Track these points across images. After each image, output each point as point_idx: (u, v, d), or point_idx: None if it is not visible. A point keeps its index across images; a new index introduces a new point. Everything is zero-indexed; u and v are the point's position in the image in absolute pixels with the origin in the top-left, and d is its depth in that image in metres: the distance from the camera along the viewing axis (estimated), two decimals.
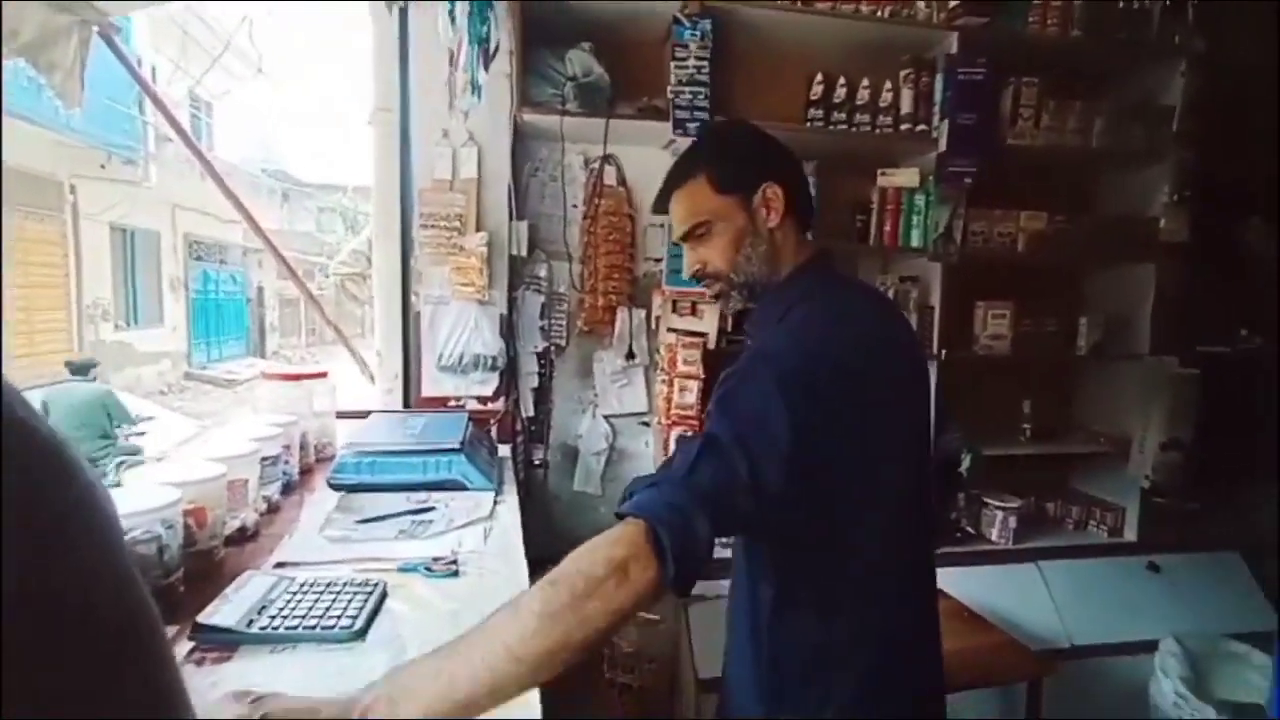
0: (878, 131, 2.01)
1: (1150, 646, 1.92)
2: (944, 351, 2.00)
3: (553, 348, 2.08)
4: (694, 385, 1.88)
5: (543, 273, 2.05)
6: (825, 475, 0.76)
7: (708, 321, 1.94)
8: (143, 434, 4.54)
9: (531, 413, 2.05)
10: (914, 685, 0.90)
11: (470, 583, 1.01)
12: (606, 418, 2.11)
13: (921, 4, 1.97)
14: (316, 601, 0.88)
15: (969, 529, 2.17)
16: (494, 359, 1.92)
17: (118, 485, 1.00)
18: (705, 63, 1.85)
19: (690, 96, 1.85)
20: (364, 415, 1.75)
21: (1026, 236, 2.09)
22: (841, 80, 2.00)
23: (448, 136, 1.85)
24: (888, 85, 2.01)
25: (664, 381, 1.95)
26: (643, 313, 2.07)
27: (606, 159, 2.03)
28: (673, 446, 1.88)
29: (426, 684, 0.57)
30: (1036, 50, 2.05)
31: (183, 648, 0.80)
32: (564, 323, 2.09)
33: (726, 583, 0.98)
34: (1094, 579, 2.10)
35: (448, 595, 0.96)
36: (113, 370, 7.78)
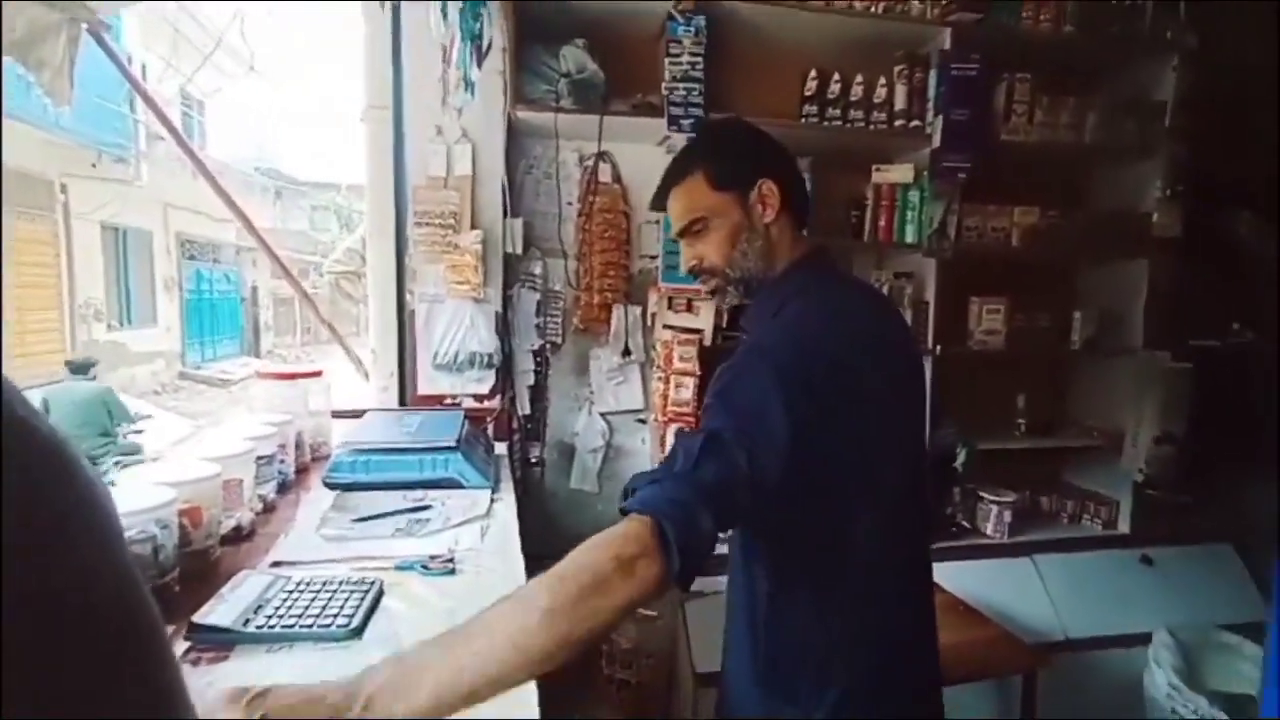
0: (872, 127, 2.01)
1: (1144, 639, 1.94)
2: (939, 347, 2.01)
3: (548, 345, 2.08)
4: (690, 382, 1.88)
5: (538, 270, 2.04)
6: (821, 470, 0.76)
7: (703, 318, 1.94)
8: (141, 432, 4.59)
9: (528, 410, 2.05)
10: (911, 679, 0.91)
11: (467, 580, 1.01)
12: (603, 415, 2.11)
13: (915, 0, 1.97)
14: (313, 600, 0.88)
15: (964, 523, 2.18)
16: (490, 357, 1.91)
17: (112, 485, 0.99)
18: (699, 59, 1.84)
19: (685, 93, 1.85)
20: (359, 414, 1.75)
21: (1020, 232, 2.10)
22: (836, 76, 2.00)
23: (441, 134, 1.85)
24: (882, 81, 2.01)
25: (660, 378, 1.96)
26: (638, 310, 2.07)
27: (601, 156, 2.02)
28: (669, 443, 1.89)
29: (431, 674, 0.57)
30: (1030, 46, 2.05)
31: (178, 648, 0.80)
32: (560, 320, 2.08)
33: (724, 579, 0.98)
34: (1088, 572, 2.12)
35: (444, 593, 0.96)
36: (106, 370, 7.71)
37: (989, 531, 2.15)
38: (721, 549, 0.88)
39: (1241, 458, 2.13)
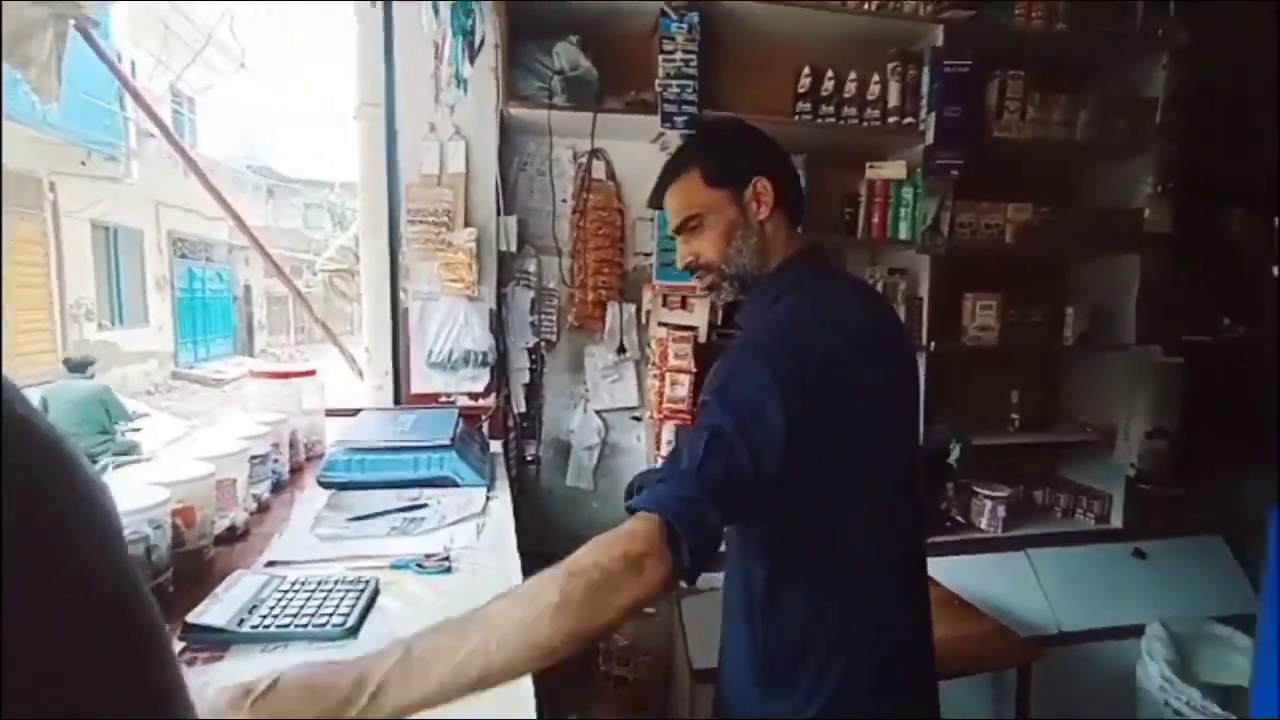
0: (865, 124, 2.02)
1: (1137, 631, 1.95)
2: (933, 343, 2.02)
3: (543, 343, 2.08)
4: (685, 379, 1.88)
5: (532, 268, 2.04)
6: (815, 466, 0.77)
7: (698, 315, 1.94)
8: (139, 430, 4.63)
9: (523, 408, 2.05)
10: (908, 673, 0.92)
11: (463, 579, 1.01)
12: (598, 413, 2.11)
13: None
14: (308, 600, 0.88)
15: (959, 518, 2.20)
16: (484, 355, 1.91)
17: None
18: (693, 56, 1.84)
19: (678, 90, 1.84)
20: (354, 413, 1.74)
21: (1013, 228, 2.11)
22: (829, 73, 2.00)
23: (434, 131, 1.84)
24: (875, 78, 2.01)
25: (655, 376, 1.96)
26: (633, 307, 2.06)
27: (595, 153, 2.02)
28: (665, 440, 1.89)
29: (440, 661, 0.57)
30: (1022, 43, 2.06)
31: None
32: (554, 318, 2.08)
33: (720, 575, 0.98)
34: (1081, 566, 2.13)
35: (440, 592, 0.96)
36: (98, 371, 7.68)
37: (983, 526, 2.16)
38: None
39: (1233, 451, 2.15)
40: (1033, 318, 2.18)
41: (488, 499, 1.35)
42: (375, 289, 1.89)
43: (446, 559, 1.05)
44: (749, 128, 1.00)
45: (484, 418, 1.92)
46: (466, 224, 1.85)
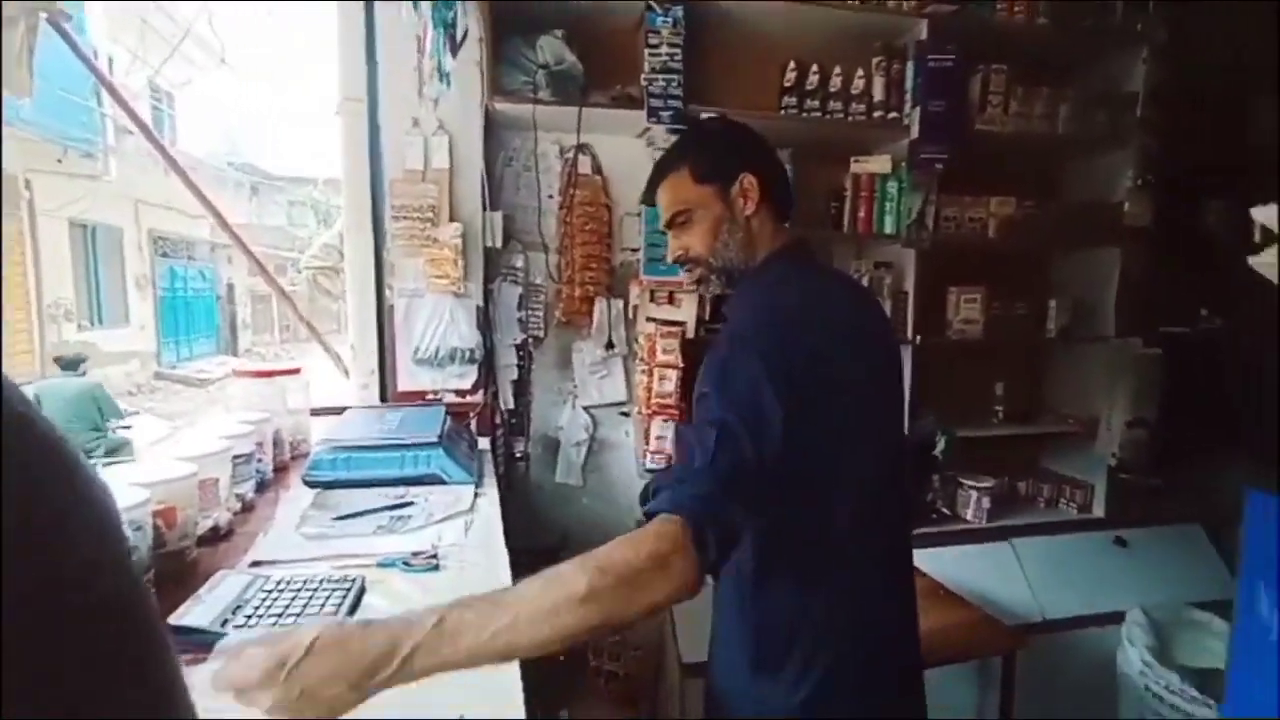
0: (850, 119, 2.02)
1: (1118, 618, 1.99)
2: (918, 337, 2.04)
3: (531, 339, 2.07)
4: (673, 374, 1.88)
5: (519, 264, 2.03)
6: (801, 460, 0.77)
7: (685, 310, 1.94)
8: (130, 428, 4.60)
9: (511, 405, 2.04)
10: (893, 665, 0.93)
11: (451, 576, 1.01)
12: (586, 408, 2.11)
13: None
14: (293, 600, 0.87)
15: (944, 509, 2.22)
16: (471, 352, 1.90)
17: None
18: (678, 50, 1.84)
19: (664, 84, 1.84)
20: (339, 411, 1.73)
21: (997, 222, 2.13)
22: (814, 68, 2.01)
23: (418, 126, 1.82)
24: (860, 73, 2.02)
25: (643, 371, 1.96)
26: (621, 303, 2.06)
27: (581, 148, 2.01)
28: (653, 435, 1.89)
29: (470, 634, 0.59)
30: (1005, 37, 2.08)
31: None
32: (542, 314, 2.07)
33: None
34: (1064, 554, 2.17)
35: (427, 589, 0.95)
36: None
37: (969, 517, 2.19)
38: None
39: (1210, 440, 2.20)
40: (1016, 311, 2.20)
41: (475, 496, 1.34)
42: (360, 286, 1.87)
43: (434, 557, 1.04)
44: (737, 125, 1.02)
45: (472, 415, 1.91)
46: (452, 220, 1.84)
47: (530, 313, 2.06)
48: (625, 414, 2.13)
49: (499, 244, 1.93)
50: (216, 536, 1.12)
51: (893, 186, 2.03)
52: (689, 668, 1.70)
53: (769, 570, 0.86)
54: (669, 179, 0.98)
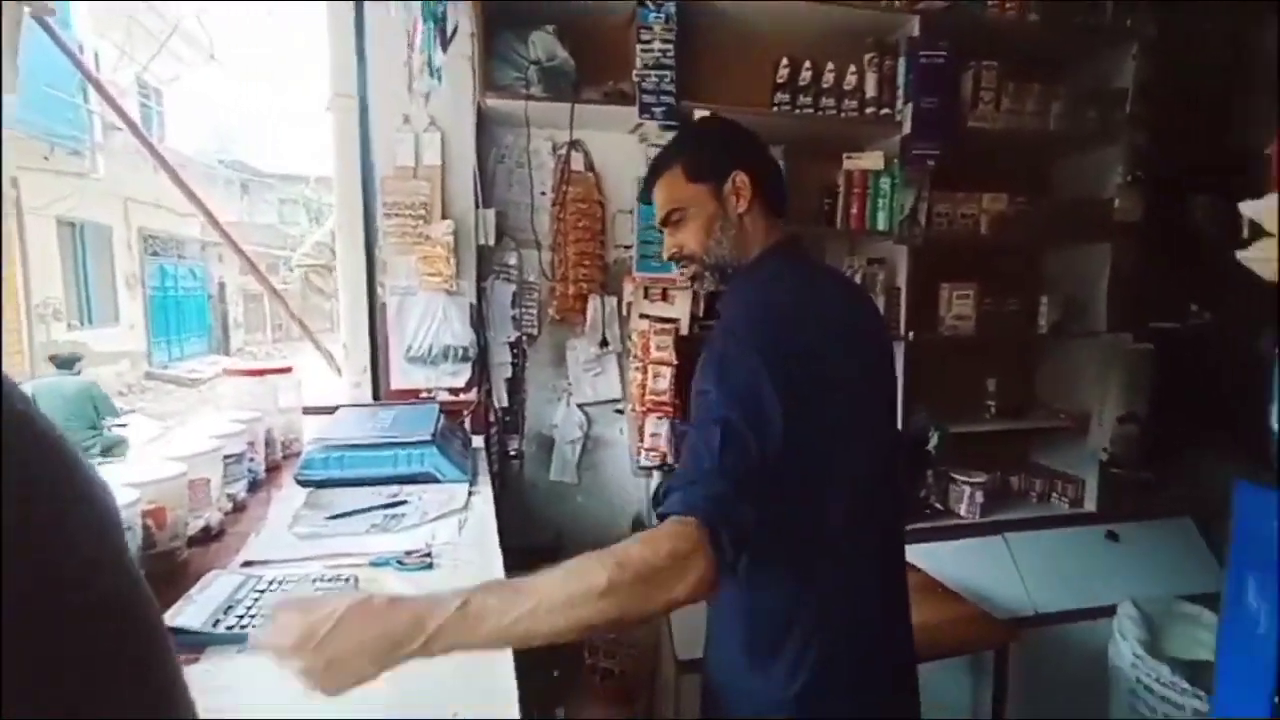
0: (843, 115, 2.02)
1: (1109, 611, 2.00)
2: (911, 333, 2.04)
3: (525, 337, 2.06)
4: (667, 371, 1.88)
5: (512, 261, 2.02)
6: (795, 458, 0.78)
7: (679, 307, 1.94)
8: (125, 426, 4.59)
9: (505, 403, 2.03)
10: (887, 663, 0.94)
11: (444, 575, 1.01)
12: (581, 406, 2.10)
13: None
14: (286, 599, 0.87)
15: (938, 505, 2.23)
16: (464, 349, 1.89)
17: None
18: (670, 46, 1.83)
19: (656, 80, 1.83)
20: (332, 410, 1.72)
21: (989, 218, 2.14)
22: (807, 64, 2.01)
23: (409, 122, 1.81)
24: (852, 69, 2.02)
25: (637, 368, 1.95)
26: (614, 300, 2.06)
27: (573, 145, 2.00)
28: (648, 432, 1.89)
29: (491, 618, 0.62)
30: (996, 34, 2.08)
31: None
32: (535, 311, 2.07)
33: None
34: (1056, 549, 2.18)
35: (421, 588, 0.94)
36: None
37: (961, 512, 2.20)
38: None
39: (1200, 434, 2.21)
40: (1008, 307, 2.21)
41: (469, 494, 1.34)
42: (352, 284, 1.86)
43: (428, 555, 1.04)
44: (730, 124, 1.03)
45: (465, 413, 1.90)
46: (444, 217, 1.83)
47: (524, 310, 2.05)
48: (620, 411, 2.13)
49: (492, 241, 1.92)
50: (208, 536, 1.12)
51: (885, 183, 2.03)
52: (684, 665, 1.70)
53: (763, 567, 0.86)
54: (663, 178, 0.99)
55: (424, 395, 1.88)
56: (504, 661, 0.76)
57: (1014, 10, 2.05)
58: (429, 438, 1.41)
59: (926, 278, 2.08)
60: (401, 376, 1.87)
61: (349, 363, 1.89)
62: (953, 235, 2.11)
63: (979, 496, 2.18)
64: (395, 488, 1.35)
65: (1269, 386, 1.04)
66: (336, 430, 1.48)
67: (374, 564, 1.02)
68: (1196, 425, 2.21)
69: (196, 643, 0.79)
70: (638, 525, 2.12)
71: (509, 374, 2.03)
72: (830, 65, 2.01)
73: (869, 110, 2.03)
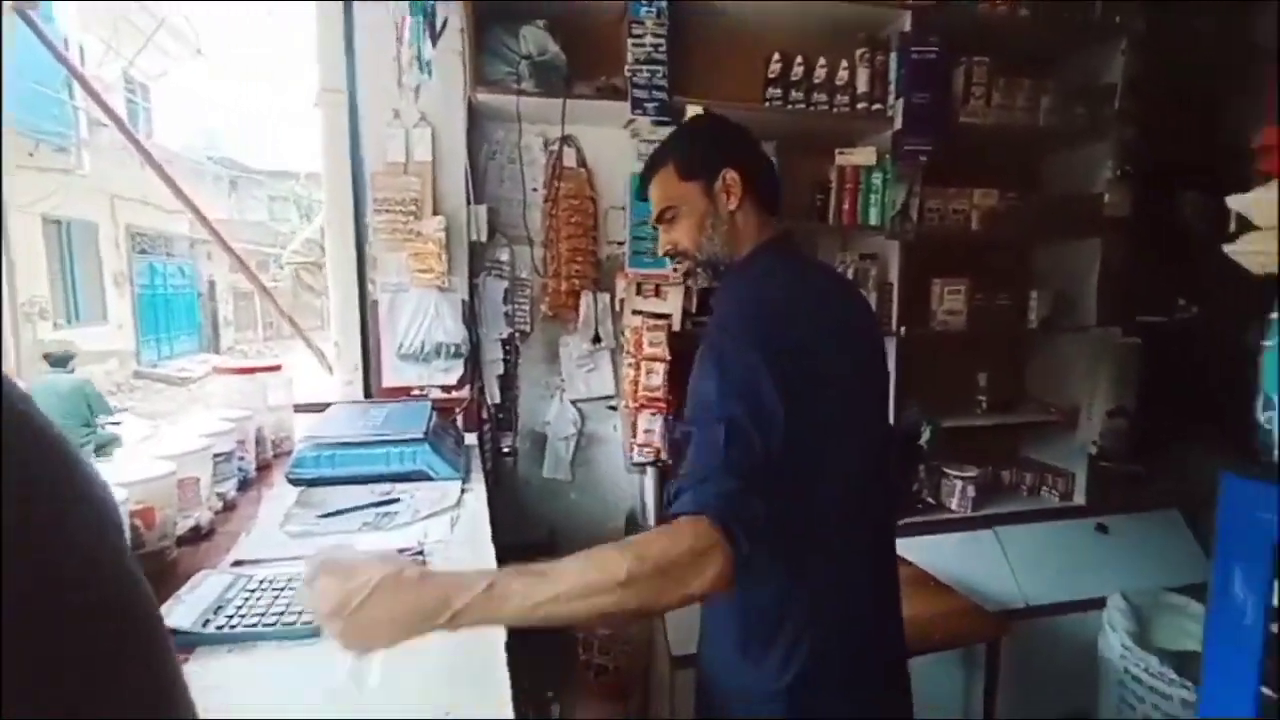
0: (835, 110, 2.02)
1: (1099, 603, 2.02)
2: (903, 328, 2.05)
3: (517, 334, 2.05)
4: (660, 367, 1.88)
5: (504, 257, 2.01)
6: (788, 454, 0.78)
7: (672, 303, 1.94)
8: (119, 424, 4.59)
9: (498, 400, 2.03)
10: (879, 660, 0.94)
11: None
12: (574, 403, 2.10)
13: None
14: (277, 598, 0.86)
15: (930, 499, 2.25)
16: (457, 346, 1.88)
17: None
18: (662, 40, 1.82)
19: (648, 75, 1.83)
20: (323, 408, 1.71)
21: (980, 214, 2.15)
22: (799, 59, 2.00)
23: (399, 117, 1.79)
24: (844, 64, 2.02)
25: (630, 364, 1.95)
26: (607, 296, 2.05)
27: (565, 140, 1.99)
28: (641, 428, 1.89)
29: (515, 600, 0.65)
30: (987, 29, 2.08)
31: None
32: (528, 308, 2.06)
33: None
34: (1047, 542, 2.20)
35: None
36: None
37: (953, 506, 2.21)
38: None
39: (1187, 427, 2.23)
40: (999, 301, 2.22)
41: (462, 492, 1.34)
42: (342, 281, 1.84)
43: (420, 553, 1.04)
44: (721, 121, 1.04)
45: (458, 410, 1.90)
46: (435, 213, 1.82)
47: (516, 307, 2.04)
48: (613, 408, 2.13)
49: (484, 238, 1.91)
50: (197, 536, 1.11)
51: (877, 178, 2.04)
52: (678, 660, 1.70)
53: (757, 562, 0.87)
54: (657, 176, 1.00)
55: (416, 393, 1.87)
56: (498, 660, 0.76)
57: (1005, 6, 2.06)
58: (421, 435, 1.41)
59: (918, 273, 2.09)
60: (393, 374, 1.86)
61: (340, 360, 1.87)
62: (944, 230, 2.12)
63: (970, 490, 2.20)
64: (387, 486, 1.34)
65: (1254, 379, 1.05)
66: (328, 428, 1.47)
67: None
68: (1184, 418, 2.23)
69: (186, 643, 0.78)
70: (631, 521, 2.12)
71: (501, 371, 2.03)
72: (822, 60, 2.01)
73: (861, 106, 2.03)
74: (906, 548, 1.93)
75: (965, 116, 2.07)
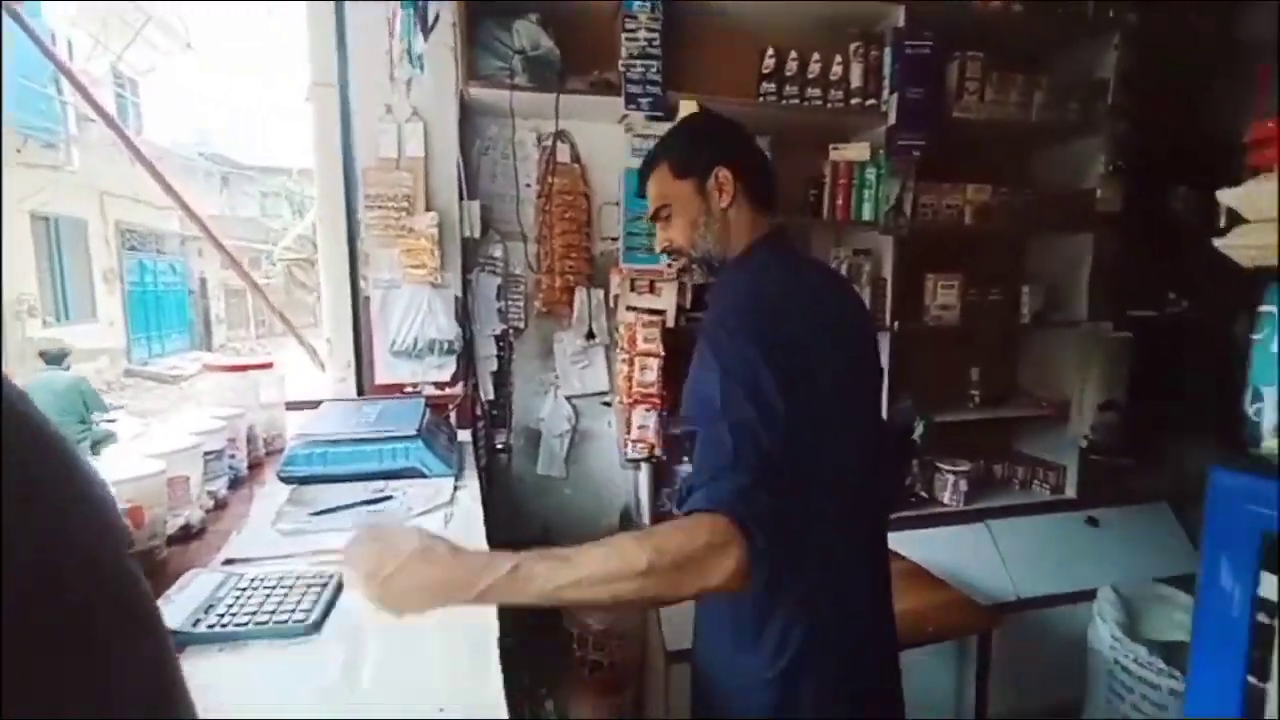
0: (829, 106, 2.02)
1: (1089, 595, 2.04)
2: (896, 323, 2.05)
3: (511, 330, 2.05)
4: (654, 363, 1.88)
5: (498, 254, 2.01)
6: (786, 446, 0.78)
7: (666, 299, 1.94)
8: (115, 421, 4.65)
9: (491, 396, 2.02)
10: (875, 651, 0.95)
11: None
12: (568, 399, 2.10)
13: None
14: (268, 597, 0.86)
15: (923, 493, 2.26)
16: (450, 343, 1.88)
17: None
18: (656, 35, 1.82)
19: (642, 70, 1.82)
20: (315, 405, 1.70)
21: (973, 209, 2.15)
22: (793, 55, 2.00)
23: (391, 112, 1.78)
24: (838, 59, 2.01)
25: (624, 360, 1.95)
26: (601, 292, 2.05)
27: (559, 135, 1.99)
28: (635, 425, 1.89)
29: (538, 582, 0.68)
30: (981, 24, 2.08)
31: None
32: (521, 304, 2.05)
33: None
34: (1038, 535, 2.22)
35: None
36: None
37: (946, 500, 2.23)
38: None
39: (1177, 421, 2.25)
40: (991, 296, 2.23)
41: (456, 489, 1.33)
42: (334, 278, 1.83)
43: None
44: (715, 119, 1.05)
45: (451, 407, 1.89)
46: (427, 209, 1.81)
47: (510, 303, 2.04)
48: (607, 404, 2.13)
49: (477, 234, 1.90)
50: (188, 535, 1.10)
51: (871, 173, 2.04)
52: (673, 655, 1.71)
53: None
54: (653, 174, 1.01)
55: (409, 389, 1.86)
56: (491, 657, 0.76)
57: (998, 2, 2.06)
58: (414, 432, 1.40)
59: (912, 268, 2.09)
60: (386, 371, 1.85)
61: (333, 357, 1.86)
62: (937, 226, 2.12)
63: (963, 484, 2.21)
64: (380, 483, 1.34)
65: (1243, 373, 1.05)
66: (320, 425, 1.46)
67: None
68: (1174, 412, 2.25)
69: (177, 643, 0.78)
70: (625, 517, 2.13)
71: (495, 367, 2.02)
72: (816, 56, 2.01)
73: (854, 101, 2.03)
74: (899, 541, 1.94)
75: (959, 112, 2.07)
